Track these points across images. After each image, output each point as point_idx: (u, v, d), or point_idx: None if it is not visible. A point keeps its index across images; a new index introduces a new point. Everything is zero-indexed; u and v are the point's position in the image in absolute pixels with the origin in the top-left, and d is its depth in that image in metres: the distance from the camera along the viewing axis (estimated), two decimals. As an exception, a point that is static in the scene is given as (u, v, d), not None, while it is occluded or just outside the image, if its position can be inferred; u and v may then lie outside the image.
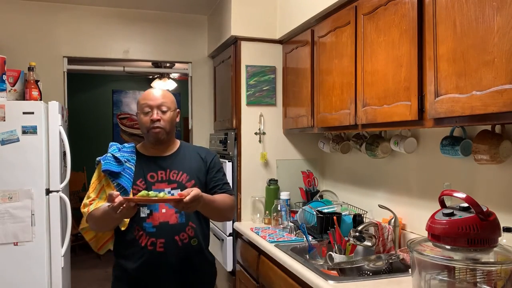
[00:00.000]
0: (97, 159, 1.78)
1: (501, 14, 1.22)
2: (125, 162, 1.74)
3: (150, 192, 1.52)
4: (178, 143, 1.87)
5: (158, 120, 1.71)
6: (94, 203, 1.70)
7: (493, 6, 1.24)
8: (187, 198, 1.48)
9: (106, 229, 1.76)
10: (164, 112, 1.73)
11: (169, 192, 1.70)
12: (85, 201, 1.73)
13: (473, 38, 1.32)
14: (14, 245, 2.58)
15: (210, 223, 1.93)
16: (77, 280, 4.29)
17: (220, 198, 1.78)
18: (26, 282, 2.59)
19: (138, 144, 1.86)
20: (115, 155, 1.75)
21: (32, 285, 2.60)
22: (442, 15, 1.45)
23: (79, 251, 5.24)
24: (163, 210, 1.70)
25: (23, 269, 2.59)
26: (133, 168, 1.74)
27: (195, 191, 1.52)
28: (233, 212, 1.91)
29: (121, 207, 1.46)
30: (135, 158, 1.77)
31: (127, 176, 1.72)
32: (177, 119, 1.81)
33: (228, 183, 1.91)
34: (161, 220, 1.69)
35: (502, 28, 1.21)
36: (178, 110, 1.83)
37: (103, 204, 1.66)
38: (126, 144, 1.84)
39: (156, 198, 1.49)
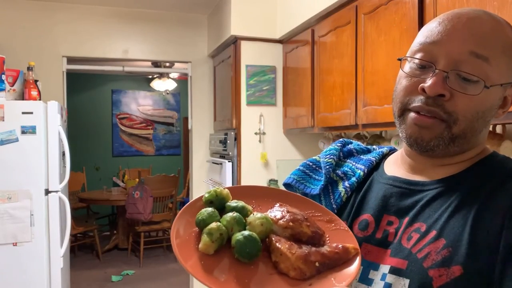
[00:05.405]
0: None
1: (502, 13, 1.21)
2: (339, 178, 0.84)
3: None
4: (482, 153, 0.72)
5: (441, 96, 0.66)
6: None
7: (494, 6, 1.24)
8: None
9: None
10: (465, 83, 0.65)
11: (383, 277, 0.67)
12: None
13: (474, 37, 1.31)
14: (13, 245, 2.57)
15: None
16: (76, 280, 4.28)
17: None
18: (25, 282, 2.58)
19: (397, 150, 0.85)
20: (323, 160, 0.87)
21: (31, 286, 2.59)
22: (443, 15, 1.45)
23: (78, 251, 5.22)
24: None
25: (22, 269, 2.58)
26: (344, 194, 0.81)
27: None
28: None
29: None
30: (361, 172, 0.83)
31: (330, 201, 0.82)
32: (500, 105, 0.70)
33: None
34: None
35: (504, 28, 1.21)
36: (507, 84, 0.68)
37: None
38: (374, 147, 0.89)
39: None
